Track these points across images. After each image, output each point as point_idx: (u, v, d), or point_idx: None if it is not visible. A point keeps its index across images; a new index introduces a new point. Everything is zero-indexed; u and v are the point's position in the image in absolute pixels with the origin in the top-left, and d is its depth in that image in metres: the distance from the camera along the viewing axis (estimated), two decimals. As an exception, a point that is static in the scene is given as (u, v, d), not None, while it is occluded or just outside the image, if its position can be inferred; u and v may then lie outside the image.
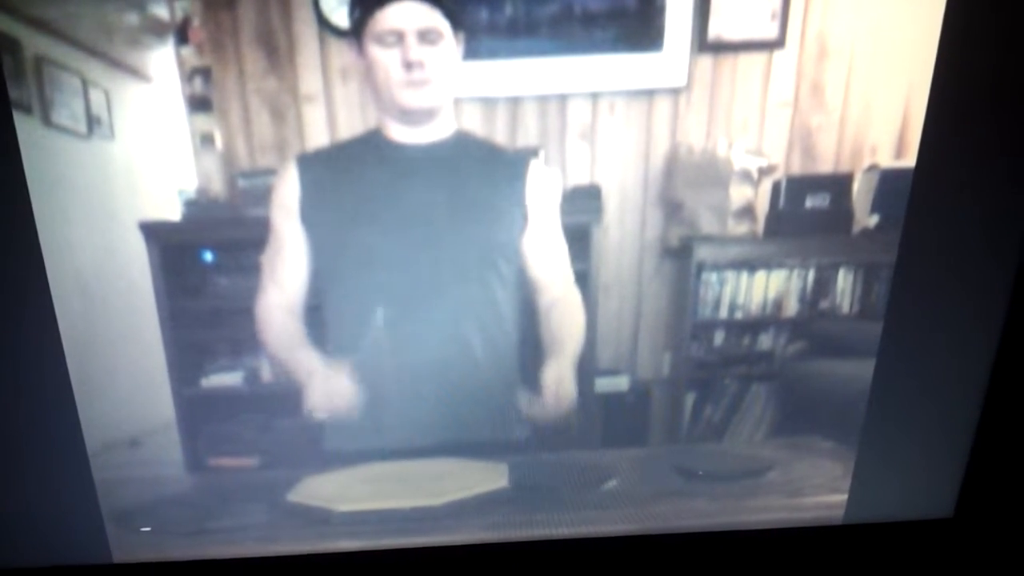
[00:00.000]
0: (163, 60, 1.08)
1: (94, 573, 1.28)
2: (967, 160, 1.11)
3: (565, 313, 1.26)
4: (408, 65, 1.13)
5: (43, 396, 1.16)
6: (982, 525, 1.30)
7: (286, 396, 1.25)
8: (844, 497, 1.33)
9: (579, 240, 1.22)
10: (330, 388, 1.25)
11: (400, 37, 1.11)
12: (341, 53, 1.11)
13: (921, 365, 1.22)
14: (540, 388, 1.28)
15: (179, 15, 1.07)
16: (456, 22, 1.11)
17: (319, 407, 1.26)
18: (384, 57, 1.12)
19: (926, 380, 1.23)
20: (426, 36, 1.11)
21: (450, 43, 1.12)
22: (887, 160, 1.16)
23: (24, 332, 1.13)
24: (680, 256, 1.25)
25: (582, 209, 1.21)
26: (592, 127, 1.17)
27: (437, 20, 1.11)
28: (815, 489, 1.34)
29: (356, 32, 1.11)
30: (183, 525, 1.29)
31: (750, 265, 1.26)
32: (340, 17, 1.09)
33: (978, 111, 1.09)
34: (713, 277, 1.27)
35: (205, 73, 1.10)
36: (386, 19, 1.11)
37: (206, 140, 1.13)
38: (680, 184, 1.20)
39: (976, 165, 1.11)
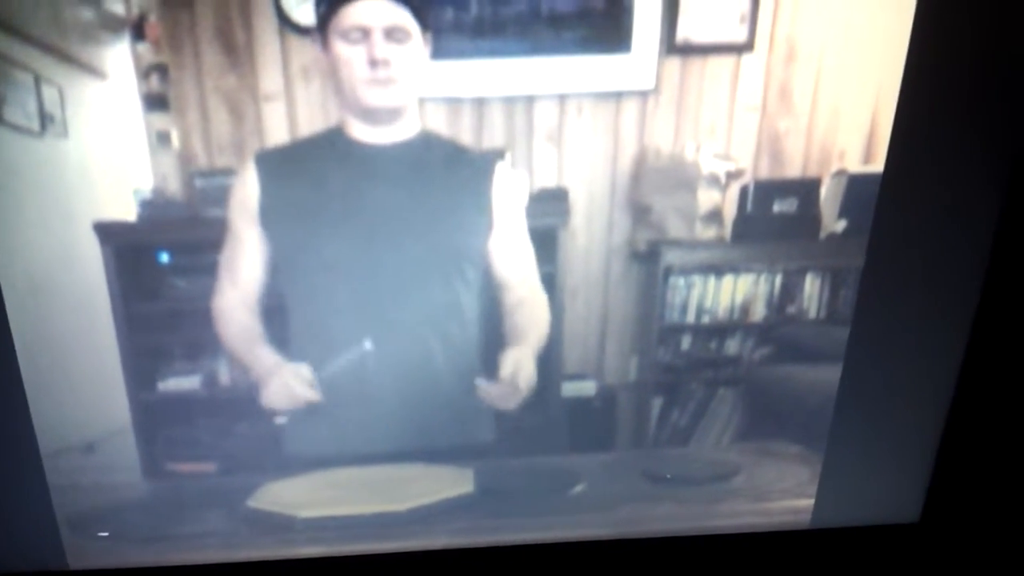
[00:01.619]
0: (118, 57, 1.06)
1: (49, 580, 1.26)
2: (935, 166, 1.11)
3: (530, 311, 1.25)
4: (373, 63, 1.11)
5: (-5, 399, 1.14)
6: (948, 530, 1.31)
7: (246, 400, 1.23)
8: (811, 502, 1.32)
9: (546, 243, 1.21)
10: (288, 388, 1.23)
11: (366, 34, 1.09)
12: (302, 51, 1.10)
13: (888, 370, 1.22)
14: (498, 373, 1.27)
15: (135, 10, 1.05)
16: (424, 21, 1.10)
17: (277, 406, 1.24)
18: (349, 54, 1.10)
19: (893, 385, 1.23)
20: (393, 34, 1.10)
21: (417, 42, 1.10)
22: (855, 165, 1.16)
23: (-25, 334, 1.10)
24: (648, 260, 1.24)
25: (549, 212, 1.20)
26: (559, 129, 1.16)
27: (405, 19, 1.09)
28: (782, 494, 1.34)
29: (321, 27, 1.09)
30: (141, 531, 1.27)
31: (718, 269, 1.26)
32: (301, 14, 1.08)
33: (947, 116, 1.08)
34: (681, 281, 1.27)
35: (162, 70, 1.08)
36: (352, 15, 1.09)
37: (162, 139, 1.11)
38: (648, 188, 1.19)
39: (944, 171, 1.11)
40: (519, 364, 1.26)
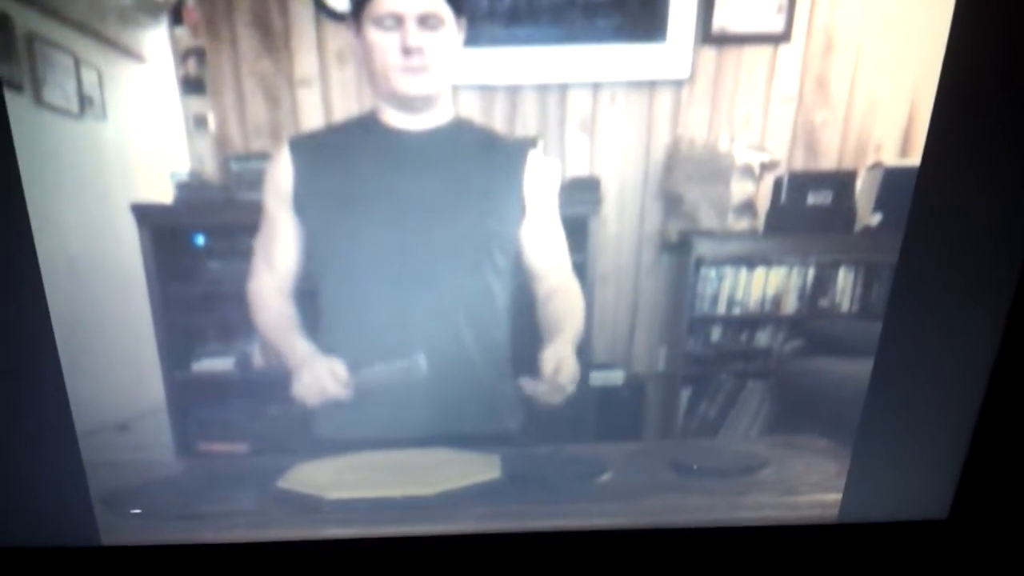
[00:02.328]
0: (157, 40, 1.07)
1: (82, 555, 1.27)
2: (973, 160, 1.09)
3: (564, 300, 1.25)
4: (407, 50, 1.11)
5: (32, 377, 1.15)
6: (976, 528, 1.29)
7: (278, 382, 1.25)
8: (839, 496, 1.31)
9: (577, 232, 1.21)
10: (320, 382, 1.24)
11: (400, 21, 1.09)
12: (337, 36, 1.10)
13: (920, 366, 1.21)
14: (539, 371, 1.27)
15: (174, -5, 1.06)
16: (458, 8, 1.09)
17: (306, 398, 1.25)
18: (382, 41, 1.10)
19: (924, 381, 1.22)
20: (427, 21, 1.09)
21: (451, 30, 1.10)
22: (891, 158, 1.15)
23: (14, 313, 1.12)
24: (679, 250, 1.24)
25: (580, 201, 1.20)
26: (592, 118, 1.16)
27: (439, 5, 1.09)
28: (810, 487, 1.33)
29: (355, 13, 1.09)
30: (173, 509, 1.28)
31: (749, 261, 1.25)
32: (336, 0, 1.08)
33: (985, 110, 1.07)
34: (712, 272, 1.26)
35: (199, 54, 1.09)
36: (386, 2, 1.09)
37: (199, 122, 1.12)
38: (680, 178, 1.18)
39: (982, 165, 1.09)
40: (560, 361, 1.26)
